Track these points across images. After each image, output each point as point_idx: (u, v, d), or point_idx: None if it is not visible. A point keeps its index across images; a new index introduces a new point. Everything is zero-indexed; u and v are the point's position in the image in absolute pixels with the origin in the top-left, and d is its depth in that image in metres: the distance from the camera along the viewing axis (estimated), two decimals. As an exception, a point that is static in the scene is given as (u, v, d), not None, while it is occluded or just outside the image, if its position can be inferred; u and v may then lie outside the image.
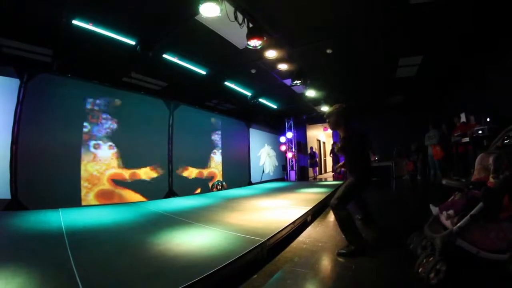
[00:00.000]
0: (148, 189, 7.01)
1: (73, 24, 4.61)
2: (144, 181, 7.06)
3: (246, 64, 6.98)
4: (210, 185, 9.20)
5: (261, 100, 10.14)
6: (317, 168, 15.12)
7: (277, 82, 8.39)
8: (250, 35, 4.76)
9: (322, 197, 5.75)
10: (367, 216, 3.79)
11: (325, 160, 18.91)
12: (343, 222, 2.85)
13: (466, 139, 6.48)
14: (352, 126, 3.16)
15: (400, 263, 2.51)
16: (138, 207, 5.39)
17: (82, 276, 1.99)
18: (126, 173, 6.71)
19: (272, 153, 13.68)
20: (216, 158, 9.95)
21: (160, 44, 5.63)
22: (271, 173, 13.33)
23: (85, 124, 6.07)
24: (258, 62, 6.74)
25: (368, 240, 3.20)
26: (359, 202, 3.78)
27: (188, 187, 8.23)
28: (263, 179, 12.35)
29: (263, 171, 12.66)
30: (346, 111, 3.17)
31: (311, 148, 14.14)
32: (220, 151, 10.15)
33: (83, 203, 5.76)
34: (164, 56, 6.11)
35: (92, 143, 6.15)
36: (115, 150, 6.56)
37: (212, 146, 9.85)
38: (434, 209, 2.46)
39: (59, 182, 5.45)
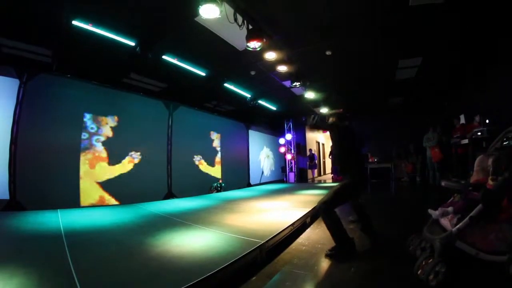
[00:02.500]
0: (147, 191, 7.00)
1: (73, 24, 4.61)
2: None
3: (245, 66, 6.98)
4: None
5: (260, 101, 10.14)
6: (315, 170, 15.10)
7: (276, 84, 8.40)
8: (250, 36, 4.76)
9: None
10: (363, 219, 3.72)
11: (324, 162, 18.90)
12: (330, 226, 2.86)
13: (466, 141, 6.49)
14: (346, 125, 3.25)
15: (399, 265, 2.50)
16: (137, 208, 5.37)
17: (80, 277, 1.98)
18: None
19: (271, 154, 13.68)
20: (215, 159, 9.95)
21: (160, 45, 5.64)
22: (270, 175, 13.31)
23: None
24: (258, 64, 6.74)
25: (363, 241, 3.21)
26: (354, 204, 3.71)
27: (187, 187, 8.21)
28: (262, 181, 12.34)
29: (262, 173, 12.65)
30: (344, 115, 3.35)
31: (310, 150, 14.14)
32: (219, 152, 10.15)
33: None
34: (164, 57, 6.11)
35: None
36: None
37: (211, 147, 9.84)
38: (434, 213, 2.45)
39: (58, 183, 5.44)
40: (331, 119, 3.39)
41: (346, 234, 2.86)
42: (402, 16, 4.86)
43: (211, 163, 9.69)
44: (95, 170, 6.15)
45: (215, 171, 9.83)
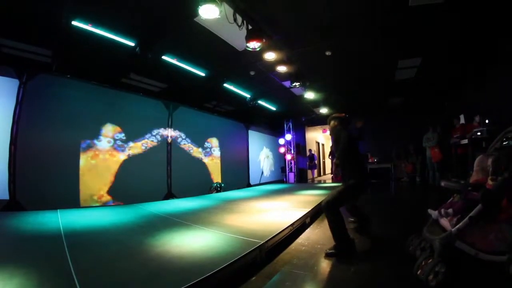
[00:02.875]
0: (147, 191, 6.99)
1: (73, 25, 4.61)
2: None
3: (245, 66, 6.98)
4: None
5: (260, 102, 10.14)
6: (315, 170, 15.11)
7: (276, 84, 8.40)
8: (249, 37, 4.77)
9: (321, 199, 5.73)
10: (361, 218, 3.73)
11: (324, 162, 18.91)
12: (333, 225, 2.88)
13: (465, 141, 6.48)
14: (349, 131, 3.26)
15: (399, 265, 2.50)
16: (137, 208, 5.37)
17: (80, 278, 1.98)
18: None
19: (271, 155, 13.68)
20: (215, 158, 9.96)
21: (160, 46, 5.64)
22: (270, 175, 13.31)
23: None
24: (257, 64, 6.74)
25: (363, 241, 3.21)
26: (349, 206, 3.70)
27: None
28: (262, 181, 12.34)
29: (262, 173, 12.65)
30: (346, 119, 3.38)
31: (310, 150, 14.14)
32: (219, 152, 10.15)
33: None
34: (164, 57, 6.11)
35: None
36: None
37: (211, 146, 9.84)
38: (433, 213, 2.46)
39: (57, 183, 5.43)
40: (332, 123, 3.43)
41: (348, 234, 2.87)
42: (402, 16, 4.86)
43: (211, 162, 9.70)
44: (95, 169, 6.15)
45: (215, 170, 9.83)
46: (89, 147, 6.12)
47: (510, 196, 2.03)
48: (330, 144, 12.99)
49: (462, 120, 7.60)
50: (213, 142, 9.94)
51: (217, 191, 8.82)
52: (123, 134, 6.77)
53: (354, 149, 3.21)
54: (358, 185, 3.10)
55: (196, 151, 9.10)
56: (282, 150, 13.77)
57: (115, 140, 6.61)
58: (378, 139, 11.92)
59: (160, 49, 5.81)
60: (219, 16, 4.08)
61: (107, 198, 6.26)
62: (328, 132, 15.53)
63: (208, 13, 3.99)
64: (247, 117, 11.67)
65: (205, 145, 9.53)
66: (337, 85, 8.87)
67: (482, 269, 2.14)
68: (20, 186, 4.91)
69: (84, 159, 6.00)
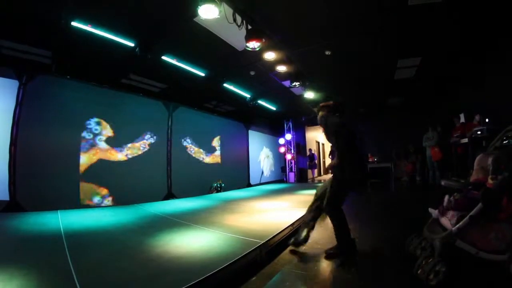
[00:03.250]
0: (147, 191, 6.99)
1: (72, 25, 4.61)
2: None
3: (245, 66, 6.97)
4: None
5: (260, 101, 10.13)
6: (315, 170, 15.09)
7: (276, 84, 8.39)
8: (249, 36, 4.75)
9: (321, 198, 5.74)
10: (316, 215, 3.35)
11: (324, 162, 18.89)
12: (336, 223, 2.83)
13: (465, 140, 6.49)
14: (343, 121, 2.99)
15: (399, 265, 2.50)
16: (137, 209, 5.38)
17: (80, 278, 1.98)
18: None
19: (271, 154, 13.68)
20: (215, 158, 9.96)
21: (159, 46, 5.63)
22: (270, 175, 13.30)
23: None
24: (257, 64, 6.74)
25: (364, 241, 3.21)
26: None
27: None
28: (262, 181, 12.34)
29: (262, 173, 12.65)
30: (335, 106, 3.11)
31: (310, 149, 14.13)
32: (219, 152, 10.15)
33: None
34: (163, 57, 6.10)
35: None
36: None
37: (211, 146, 9.85)
38: (434, 212, 2.46)
39: (57, 184, 5.43)
40: (320, 113, 3.15)
41: (349, 234, 2.85)
42: (401, 16, 4.86)
43: (211, 161, 9.70)
44: (95, 169, 6.15)
45: (215, 170, 9.82)
46: (89, 147, 6.12)
47: (510, 195, 2.03)
48: (330, 144, 12.96)
49: (462, 119, 7.60)
50: (213, 142, 9.95)
51: (217, 191, 8.83)
52: (123, 134, 6.77)
53: (347, 138, 2.88)
54: (341, 180, 2.86)
55: (196, 151, 9.10)
56: (282, 149, 13.76)
57: (115, 140, 6.60)
58: (378, 139, 11.91)
59: (160, 50, 5.80)
60: (219, 16, 4.07)
61: (107, 198, 6.25)
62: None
63: (207, 13, 3.99)
64: (247, 117, 11.67)
65: (205, 145, 9.52)
66: (337, 85, 8.86)
67: (482, 268, 2.14)
68: (20, 187, 4.91)
69: (84, 160, 6.00)
